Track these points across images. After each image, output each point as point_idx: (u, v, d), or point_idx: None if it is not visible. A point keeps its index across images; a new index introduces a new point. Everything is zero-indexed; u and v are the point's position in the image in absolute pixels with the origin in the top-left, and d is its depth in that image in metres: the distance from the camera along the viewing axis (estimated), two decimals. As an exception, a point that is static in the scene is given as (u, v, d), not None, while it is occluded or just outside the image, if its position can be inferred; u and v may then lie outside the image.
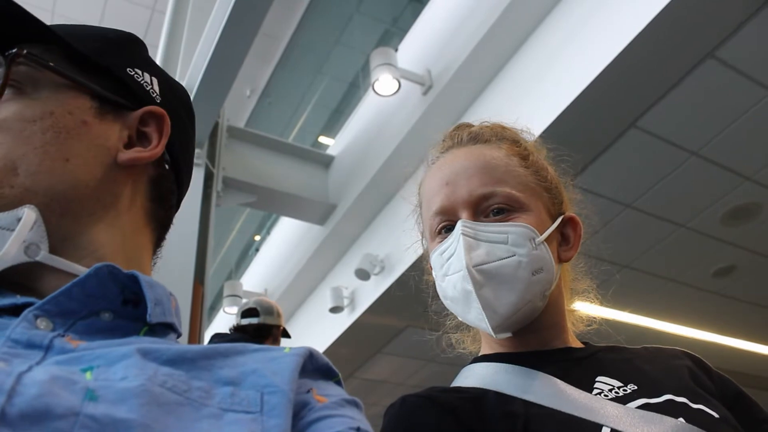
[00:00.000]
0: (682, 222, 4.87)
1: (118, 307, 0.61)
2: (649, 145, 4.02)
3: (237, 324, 3.23)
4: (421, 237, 1.16)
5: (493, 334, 0.93)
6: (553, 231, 1.00)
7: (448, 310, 1.07)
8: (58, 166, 0.65)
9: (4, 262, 0.59)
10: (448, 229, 1.00)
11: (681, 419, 0.83)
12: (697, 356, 1.05)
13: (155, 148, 0.74)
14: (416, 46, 4.89)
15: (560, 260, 1.02)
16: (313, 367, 0.65)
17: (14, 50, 0.66)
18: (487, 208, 0.97)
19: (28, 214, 0.60)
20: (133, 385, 0.48)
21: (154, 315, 0.61)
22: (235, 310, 6.53)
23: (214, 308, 8.27)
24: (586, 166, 4.12)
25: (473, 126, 1.11)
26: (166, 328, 0.65)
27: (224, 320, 7.33)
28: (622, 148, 4.02)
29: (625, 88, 3.56)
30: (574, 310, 1.11)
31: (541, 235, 0.96)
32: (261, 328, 3.16)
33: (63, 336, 0.54)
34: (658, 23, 3.16)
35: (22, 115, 0.65)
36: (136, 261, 0.70)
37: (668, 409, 0.85)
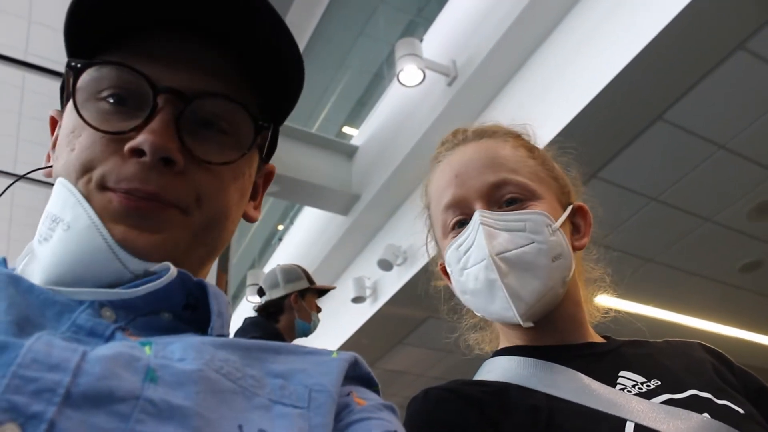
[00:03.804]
0: (708, 216, 4.81)
1: (179, 310, 0.61)
2: (676, 138, 3.98)
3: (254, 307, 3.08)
4: (427, 241, 1.16)
5: (521, 322, 0.92)
6: (564, 220, 1.00)
7: (462, 312, 1.07)
8: (233, 226, 0.70)
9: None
10: (462, 223, 0.99)
11: (706, 415, 0.82)
12: (718, 350, 1.04)
13: (258, 207, 0.80)
14: (441, 37, 4.87)
15: (573, 249, 1.02)
16: (355, 373, 0.66)
17: (267, 125, 0.69)
18: (501, 198, 0.98)
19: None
20: (191, 369, 0.49)
21: (215, 328, 0.62)
22: (257, 299, 6.58)
23: (238, 297, 8.33)
24: (612, 159, 4.08)
25: (471, 128, 1.12)
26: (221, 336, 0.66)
27: (247, 309, 7.39)
28: (648, 140, 3.97)
29: (652, 80, 3.52)
30: (591, 301, 1.10)
31: (555, 222, 0.97)
32: (268, 306, 2.95)
33: (123, 330, 0.55)
34: (687, 14, 3.11)
35: (232, 173, 0.68)
36: (202, 263, 0.70)
37: (693, 405, 0.84)
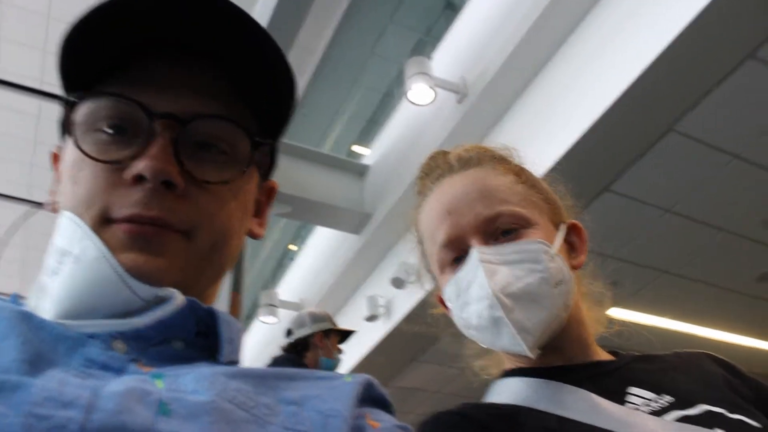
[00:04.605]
0: (723, 226, 4.78)
1: (191, 337, 0.62)
2: (689, 148, 3.96)
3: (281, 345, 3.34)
4: (421, 274, 1.15)
5: (531, 355, 0.91)
6: (560, 241, 0.99)
7: (464, 340, 1.06)
8: (238, 244, 0.70)
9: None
10: (459, 259, 0.97)
11: (719, 430, 0.81)
12: (728, 361, 1.02)
13: (263, 224, 0.79)
14: (450, 55, 4.89)
15: (572, 268, 1.00)
16: (369, 395, 0.65)
17: (263, 141, 0.70)
18: (496, 230, 0.96)
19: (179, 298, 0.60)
20: (203, 400, 0.49)
21: (226, 355, 0.62)
22: (271, 319, 6.62)
23: (251, 317, 8.33)
24: (624, 171, 4.07)
25: (451, 152, 1.11)
26: (232, 362, 0.66)
27: (261, 330, 7.40)
28: (660, 152, 3.96)
29: (663, 91, 3.51)
30: (593, 315, 1.08)
31: (552, 246, 0.95)
32: (297, 344, 3.22)
33: (136, 361, 0.55)
34: (697, 26, 3.11)
35: (232, 192, 0.68)
36: (211, 284, 0.70)
37: (706, 421, 0.83)
